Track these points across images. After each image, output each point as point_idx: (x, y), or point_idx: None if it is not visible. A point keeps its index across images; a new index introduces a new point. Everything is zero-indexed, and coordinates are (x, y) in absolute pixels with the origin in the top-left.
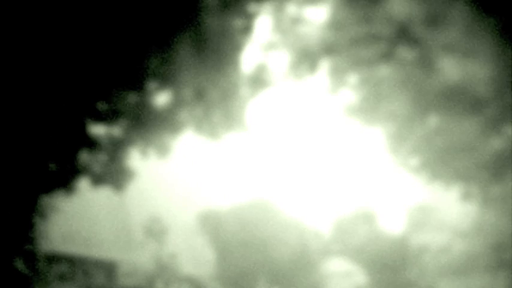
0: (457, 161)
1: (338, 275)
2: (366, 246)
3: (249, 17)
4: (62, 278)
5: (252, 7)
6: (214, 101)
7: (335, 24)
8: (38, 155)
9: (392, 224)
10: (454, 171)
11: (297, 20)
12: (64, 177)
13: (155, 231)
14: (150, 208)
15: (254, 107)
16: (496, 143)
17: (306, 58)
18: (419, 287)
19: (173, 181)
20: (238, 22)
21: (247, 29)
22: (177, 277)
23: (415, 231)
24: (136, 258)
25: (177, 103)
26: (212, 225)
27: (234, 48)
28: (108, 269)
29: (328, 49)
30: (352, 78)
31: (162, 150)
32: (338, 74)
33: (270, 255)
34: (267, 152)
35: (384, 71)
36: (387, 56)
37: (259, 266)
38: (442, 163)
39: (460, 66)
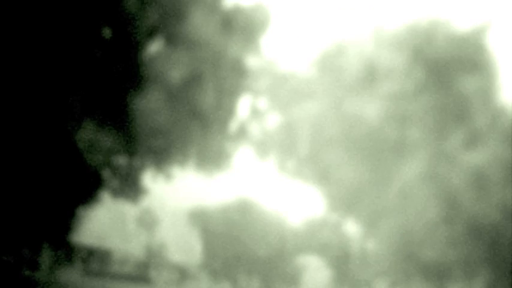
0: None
1: (309, 268)
2: (330, 246)
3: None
4: (61, 263)
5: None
6: (209, 151)
7: None
8: (77, 178)
9: (351, 229)
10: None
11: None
12: (93, 192)
13: (147, 222)
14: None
15: (237, 156)
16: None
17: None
18: (361, 282)
19: (174, 194)
20: (226, 104)
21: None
22: (166, 264)
23: (366, 237)
24: (129, 247)
25: (182, 151)
26: (200, 221)
27: (224, 120)
28: (103, 256)
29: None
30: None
31: (168, 177)
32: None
33: (251, 249)
34: (251, 179)
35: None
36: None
37: (241, 258)
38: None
39: None
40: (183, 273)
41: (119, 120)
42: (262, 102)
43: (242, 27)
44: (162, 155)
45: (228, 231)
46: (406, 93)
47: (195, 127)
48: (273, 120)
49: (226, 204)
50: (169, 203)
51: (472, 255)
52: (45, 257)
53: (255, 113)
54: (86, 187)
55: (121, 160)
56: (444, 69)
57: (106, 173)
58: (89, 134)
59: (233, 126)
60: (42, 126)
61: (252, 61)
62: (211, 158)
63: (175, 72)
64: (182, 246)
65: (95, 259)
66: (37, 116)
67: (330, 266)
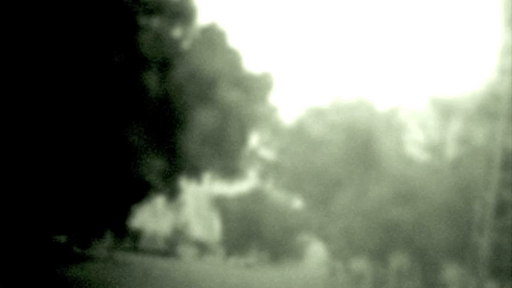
0: None
1: (309, 244)
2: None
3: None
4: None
5: None
6: (228, 167)
7: None
8: (135, 185)
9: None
10: None
11: None
12: (146, 195)
13: (174, 204)
14: None
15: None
16: None
17: None
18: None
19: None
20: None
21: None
22: (190, 241)
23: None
24: (158, 226)
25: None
26: (219, 205)
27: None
28: (135, 234)
29: None
30: None
31: (199, 181)
32: None
33: (261, 228)
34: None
35: None
36: None
37: (252, 236)
38: None
39: None
40: (204, 248)
41: (167, 147)
42: (266, 137)
43: (253, 88)
44: (196, 168)
45: (242, 214)
46: (339, 154)
47: (218, 151)
48: (271, 151)
49: (242, 193)
50: (194, 190)
51: (385, 242)
52: (107, 239)
53: (261, 144)
54: (141, 192)
55: (164, 167)
56: (363, 136)
57: (152, 178)
58: (145, 156)
59: (246, 151)
60: (112, 149)
61: (259, 109)
62: (230, 172)
63: (208, 117)
64: (204, 226)
65: (129, 236)
66: (110, 141)
67: (324, 242)
